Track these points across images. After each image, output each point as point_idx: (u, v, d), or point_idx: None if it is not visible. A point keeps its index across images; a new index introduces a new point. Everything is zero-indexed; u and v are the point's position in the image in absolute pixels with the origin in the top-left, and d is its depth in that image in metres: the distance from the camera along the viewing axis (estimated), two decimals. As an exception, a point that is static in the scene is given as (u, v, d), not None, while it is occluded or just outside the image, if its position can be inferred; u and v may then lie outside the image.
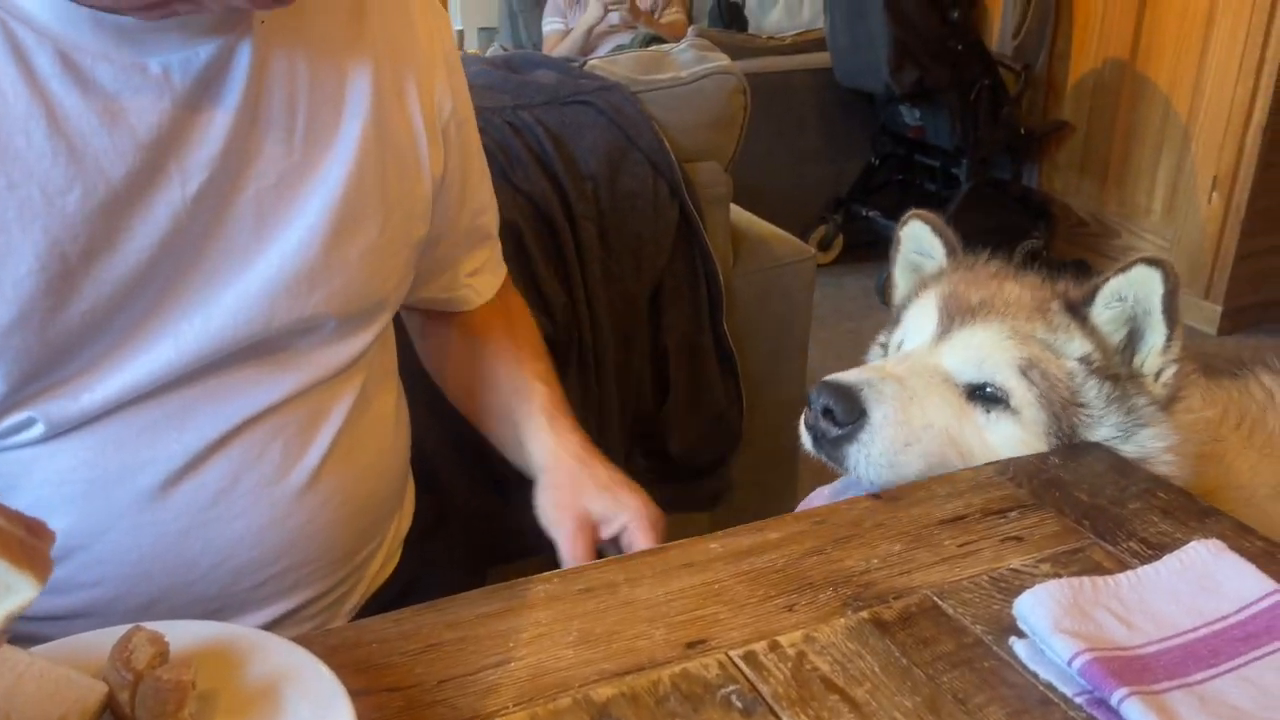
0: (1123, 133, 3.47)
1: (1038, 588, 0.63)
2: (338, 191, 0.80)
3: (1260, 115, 3.03)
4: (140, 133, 0.71)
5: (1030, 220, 3.59)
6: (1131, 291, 0.87)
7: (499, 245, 1.09)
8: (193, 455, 0.77)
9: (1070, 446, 0.86)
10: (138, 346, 0.74)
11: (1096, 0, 3.49)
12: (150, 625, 0.57)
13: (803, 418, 0.88)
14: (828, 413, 0.84)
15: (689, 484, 1.80)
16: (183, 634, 0.58)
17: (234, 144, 0.76)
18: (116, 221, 0.72)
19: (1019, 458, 0.85)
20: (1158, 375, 0.88)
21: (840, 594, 0.68)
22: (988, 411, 0.87)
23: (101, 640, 0.57)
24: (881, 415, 0.84)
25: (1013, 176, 3.65)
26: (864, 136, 3.76)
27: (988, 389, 0.87)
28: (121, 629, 0.57)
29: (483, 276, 1.06)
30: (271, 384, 0.80)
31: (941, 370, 0.89)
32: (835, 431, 0.84)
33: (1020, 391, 0.87)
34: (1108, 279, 0.88)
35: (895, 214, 3.87)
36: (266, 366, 0.80)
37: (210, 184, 0.75)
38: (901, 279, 1.03)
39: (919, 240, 1.01)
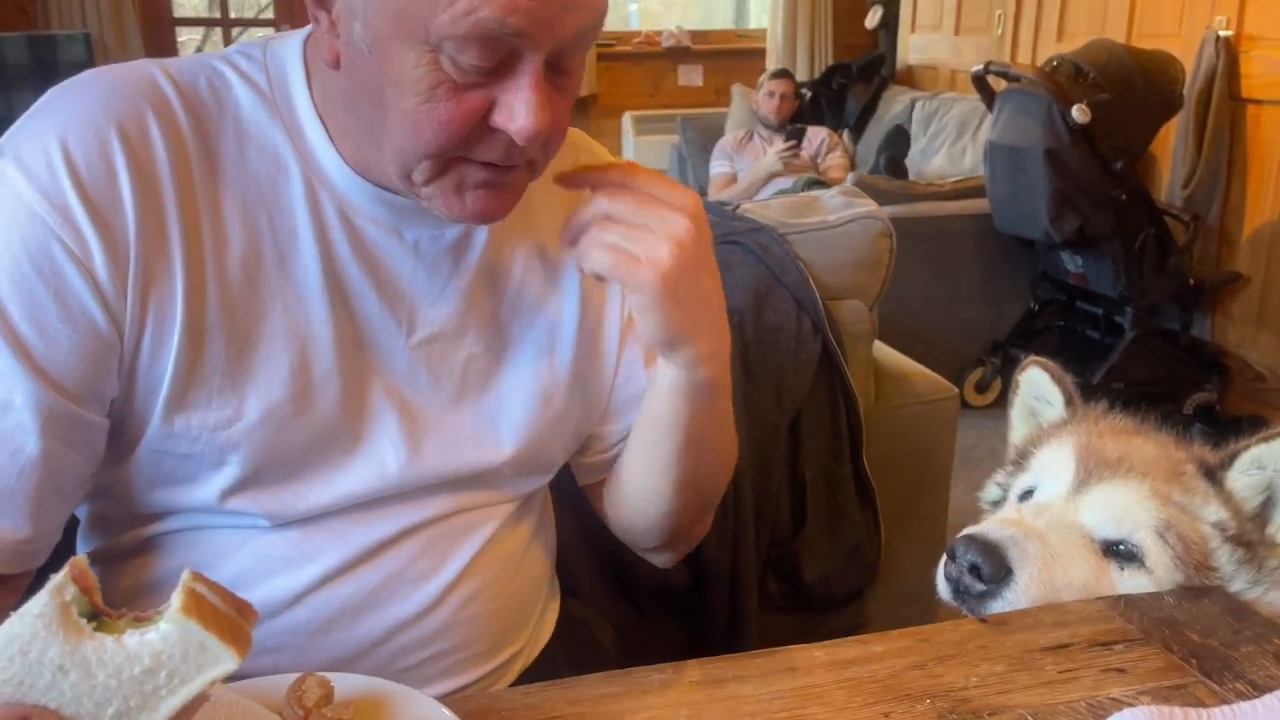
0: (1302, 286, 3.35)
1: (1126, 710, 0.66)
2: (537, 369, 0.93)
3: None
4: (386, 286, 0.87)
5: (1201, 373, 3.47)
6: (1273, 461, 0.87)
7: None
8: (373, 546, 0.89)
9: (1188, 587, 0.87)
10: (349, 467, 0.87)
11: (1272, 152, 3.42)
12: (319, 674, 0.67)
13: (942, 567, 0.90)
14: (974, 569, 0.87)
15: (823, 615, 1.81)
16: (345, 683, 0.68)
17: (458, 311, 0.90)
18: (352, 354, 0.86)
19: (1133, 594, 0.87)
20: None
21: (936, 706, 0.71)
22: (1122, 568, 0.89)
23: (280, 683, 0.67)
24: (1027, 576, 0.86)
25: (1182, 327, 3.55)
26: (1024, 281, 3.75)
27: (1122, 546, 0.89)
28: (296, 675, 0.67)
29: None
30: (443, 501, 0.92)
31: (1080, 526, 0.91)
32: (980, 588, 0.87)
33: (1155, 552, 0.89)
34: (1249, 446, 0.88)
35: (1056, 359, 3.78)
36: (445, 490, 0.92)
37: (431, 341, 0.89)
38: (1019, 423, 1.07)
39: (1037, 386, 1.05)
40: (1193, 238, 3.48)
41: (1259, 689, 0.73)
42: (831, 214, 1.77)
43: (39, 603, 0.52)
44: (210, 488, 0.84)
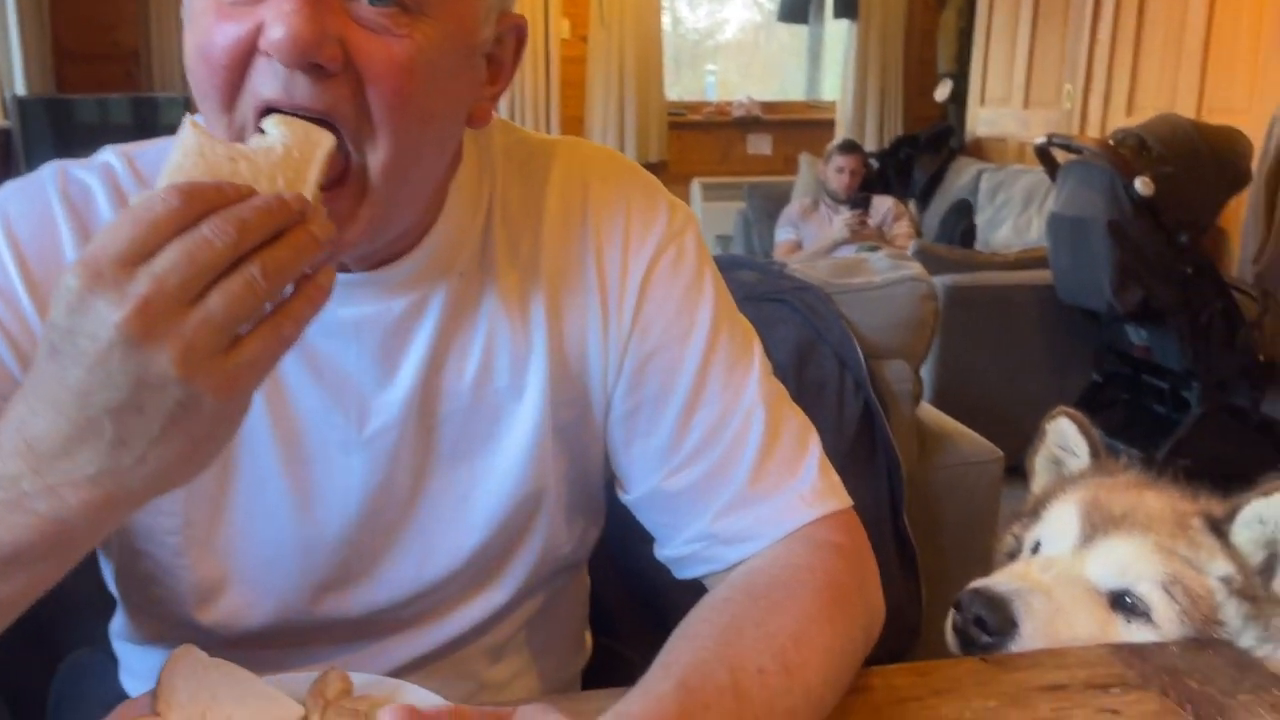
0: (1379, 365, 3.27)
1: (1105, 743, 0.67)
2: (518, 447, 0.85)
3: None
4: (325, 375, 0.80)
5: (1273, 453, 3.39)
6: (1273, 516, 0.88)
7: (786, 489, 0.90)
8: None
9: (1195, 639, 0.88)
10: (374, 573, 0.86)
11: (1346, 229, 3.37)
12: (339, 669, 0.72)
13: (950, 619, 0.92)
14: (979, 621, 0.89)
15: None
16: (365, 682, 0.73)
17: (414, 393, 0.81)
18: (305, 463, 0.81)
19: (1139, 643, 0.88)
20: None
21: (927, 735, 0.74)
22: (1129, 622, 0.91)
23: (305, 679, 0.72)
24: (1031, 629, 0.88)
25: (1252, 405, 3.48)
26: (1087, 353, 3.72)
27: (1128, 599, 0.91)
28: (319, 671, 0.72)
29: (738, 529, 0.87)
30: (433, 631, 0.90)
31: (1085, 580, 0.93)
32: (985, 639, 0.88)
33: (1161, 606, 0.90)
34: (1249, 500, 0.90)
35: (1121, 434, 3.68)
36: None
37: (389, 428, 0.81)
38: (1041, 472, 1.09)
39: (1064, 437, 1.07)
40: (1263, 314, 3.42)
41: (1251, 735, 0.74)
42: (877, 275, 1.82)
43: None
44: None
